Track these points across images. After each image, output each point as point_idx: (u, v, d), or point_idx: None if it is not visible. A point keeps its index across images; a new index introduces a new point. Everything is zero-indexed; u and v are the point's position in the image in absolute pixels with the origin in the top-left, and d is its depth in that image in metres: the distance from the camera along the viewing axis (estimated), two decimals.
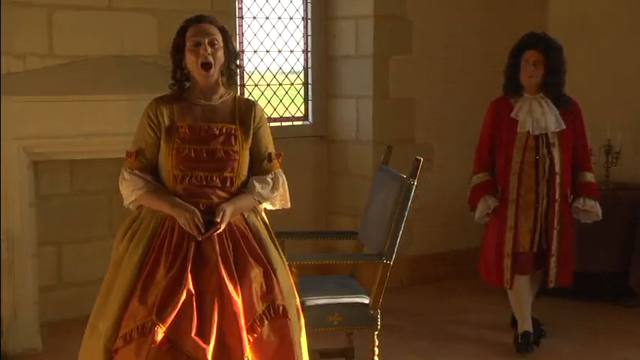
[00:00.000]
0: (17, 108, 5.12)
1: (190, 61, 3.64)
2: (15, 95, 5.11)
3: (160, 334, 3.40)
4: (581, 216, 5.28)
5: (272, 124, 6.08)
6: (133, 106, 5.07)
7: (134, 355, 3.41)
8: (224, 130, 3.66)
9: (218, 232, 3.57)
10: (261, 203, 3.76)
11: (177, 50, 3.68)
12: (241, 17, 6.47)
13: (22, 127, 5.15)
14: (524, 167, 5.19)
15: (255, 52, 6.57)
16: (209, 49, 3.61)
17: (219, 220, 3.56)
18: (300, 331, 3.68)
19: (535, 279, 5.38)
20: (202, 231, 3.55)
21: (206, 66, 3.62)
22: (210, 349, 3.42)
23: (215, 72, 3.65)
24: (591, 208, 5.23)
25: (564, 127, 5.16)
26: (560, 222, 5.20)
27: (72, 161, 5.58)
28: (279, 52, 6.67)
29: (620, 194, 6.16)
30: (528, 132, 5.16)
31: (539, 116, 5.15)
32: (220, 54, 3.65)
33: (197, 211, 3.56)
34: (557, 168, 5.16)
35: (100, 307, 3.61)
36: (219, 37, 3.65)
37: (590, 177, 5.27)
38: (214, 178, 3.63)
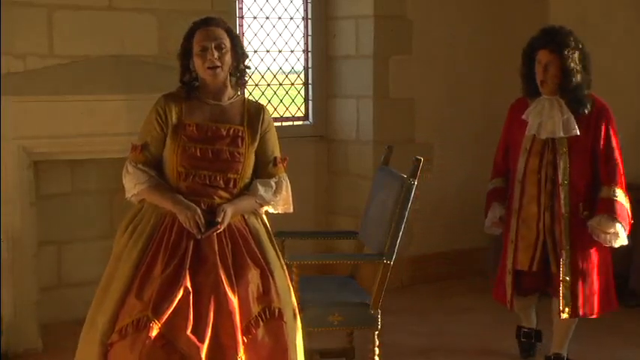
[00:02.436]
0: (17, 108, 5.12)
1: (197, 64, 3.68)
2: (15, 95, 5.11)
3: (154, 330, 3.42)
4: (601, 237, 4.60)
5: None
6: (133, 106, 5.09)
7: (128, 349, 3.43)
8: (231, 131, 3.69)
9: (218, 232, 3.58)
10: (262, 206, 3.78)
11: (185, 54, 3.72)
12: (241, 17, 6.47)
13: (22, 127, 5.15)
14: (527, 174, 4.70)
15: (255, 52, 6.56)
16: (216, 54, 3.64)
17: (219, 220, 3.57)
18: (296, 333, 3.68)
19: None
20: (202, 230, 3.56)
21: (212, 67, 3.65)
22: (204, 348, 3.43)
23: (222, 72, 3.68)
24: (609, 230, 4.56)
25: (577, 133, 4.59)
26: (570, 241, 4.61)
27: (72, 161, 5.58)
28: (280, 52, 6.67)
29: None
30: (535, 135, 4.68)
31: (546, 119, 4.63)
32: (228, 57, 3.69)
33: (199, 209, 3.58)
34: (561, 178, 4.61)
35: (99, 301, 3.62)
36: (226, 41, 3.69)
37: (612, 193, 4.59)
38: (218, 178, 3.65)
